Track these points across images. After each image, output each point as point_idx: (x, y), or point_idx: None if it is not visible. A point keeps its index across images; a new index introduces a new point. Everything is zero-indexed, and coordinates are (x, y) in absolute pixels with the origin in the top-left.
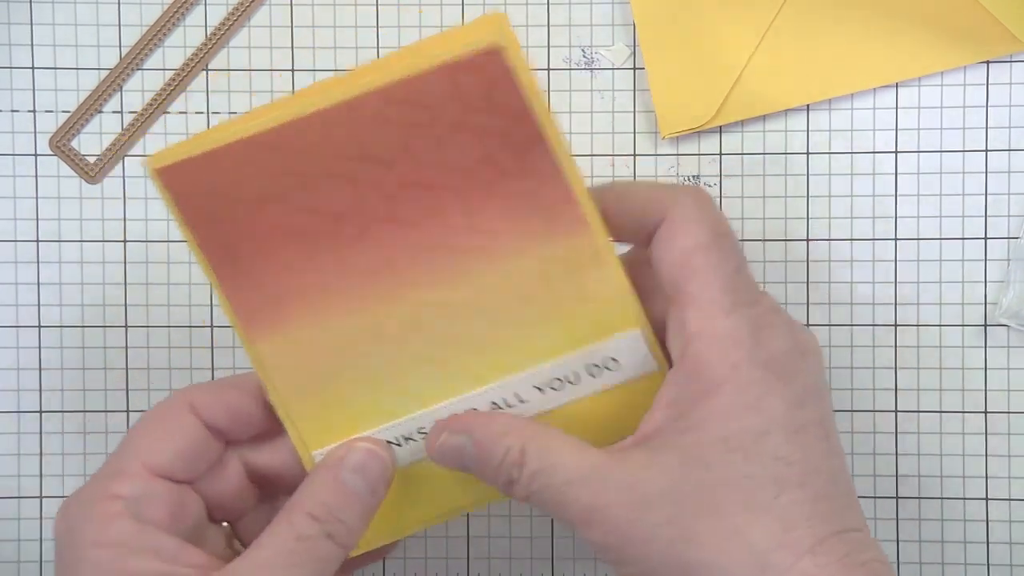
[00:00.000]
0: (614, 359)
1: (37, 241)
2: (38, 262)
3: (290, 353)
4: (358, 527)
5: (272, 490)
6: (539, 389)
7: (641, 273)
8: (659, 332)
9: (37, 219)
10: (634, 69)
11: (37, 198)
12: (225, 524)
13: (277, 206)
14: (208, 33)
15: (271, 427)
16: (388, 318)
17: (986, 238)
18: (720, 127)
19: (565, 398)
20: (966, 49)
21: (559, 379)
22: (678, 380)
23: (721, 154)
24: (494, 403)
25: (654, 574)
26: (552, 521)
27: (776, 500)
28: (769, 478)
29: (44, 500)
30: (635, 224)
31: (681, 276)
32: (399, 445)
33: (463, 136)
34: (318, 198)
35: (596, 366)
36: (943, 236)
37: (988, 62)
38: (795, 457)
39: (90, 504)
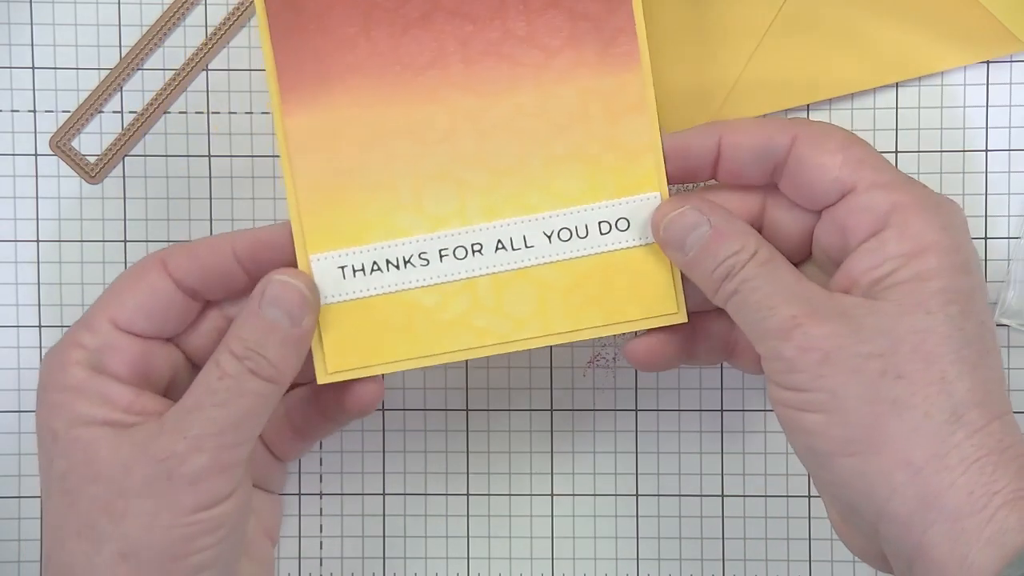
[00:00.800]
0: (627, 219)
1: (37, 241)
2: (38, 262)
3: (320, 137)
4: (282, 359)
5: None
6: (547, 236)
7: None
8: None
9: (37, 219)
10: None
11: (37, 198)
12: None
13: None
14: (208, 33)
15: (245, 286)
16: (424, 120)
17: (986, 238)
18: None
19: (570, 252)
20: (966, 49)
21: (568, 229)
22: (880, 246)
23: None
24: (499, 241)
25: (842, 405)
26: (552, 521)
27: (983, 360)
28: (979, 336)
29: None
30: (762, 150)
31: (848, 170)
32: (397, 267)
33: None
34: None
35: (608, 223)
36: None
37: (988, 62)
38: (991, 325)
39: (59, 351)
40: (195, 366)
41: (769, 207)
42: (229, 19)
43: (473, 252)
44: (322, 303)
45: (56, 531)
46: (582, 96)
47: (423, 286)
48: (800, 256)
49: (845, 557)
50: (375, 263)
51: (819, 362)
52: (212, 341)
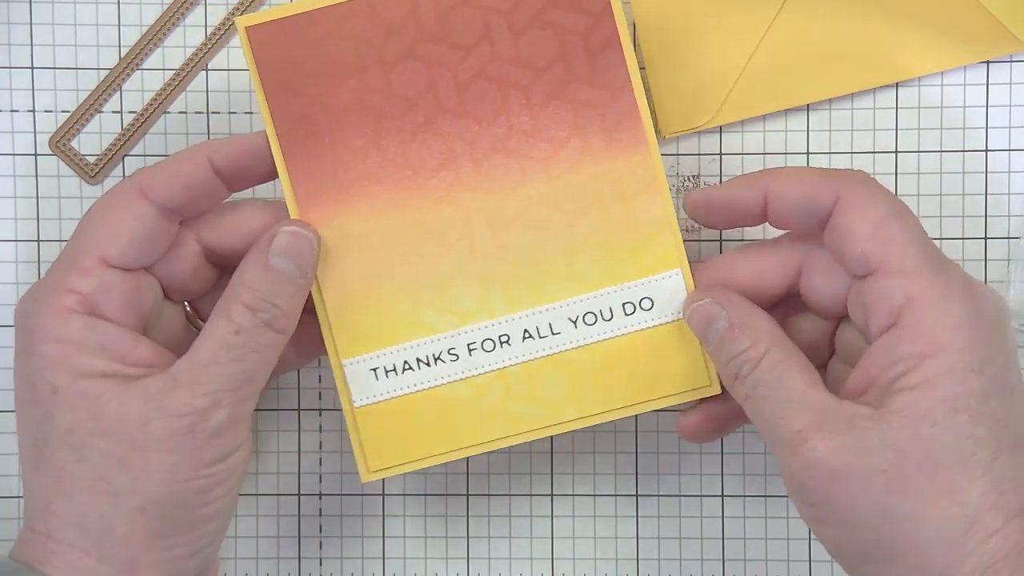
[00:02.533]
0: (650, 299)
1: (38, 241)
2: (39, 262)
3: (341, 246)
4: (293, 309)
5: (231, 268)
6: (572, 322)
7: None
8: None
9: (38, 219)
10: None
11: (37, 198)
12: (187, 306)
13: (354, 83)
14: (208, 33)
15: (224, 197)
16: (440, 221)
17: (986, 238)
18: (720, 127)
19: (597, 335)
20: (966, 49)
21: (593, 313)
22: (894, 344)
23: (721, 154)
24: (526, 330)
25: (853, 520)
26: (552, 521)
27: (995, 461)
28: (990, 439)
29: None
30: (805, 206)
31: (876, 247)
32: (428, 365)
33: (542, 31)
34: (394, 79)
35: (631, 304)
36: (943, 236)
37: (988, 62)
38: (1011, 419)
39: (47, 296)
40: (169, 293)
41: (805, 270)
42: (229, 19)
43: (501, 343)
44: (357, 405)
45: (61, 485)
46: (593, 182)
47: (455, 380)
48: (834, 318)
49: None
50: (406, 362)
51: (827, 479)
52: (188, 265)
